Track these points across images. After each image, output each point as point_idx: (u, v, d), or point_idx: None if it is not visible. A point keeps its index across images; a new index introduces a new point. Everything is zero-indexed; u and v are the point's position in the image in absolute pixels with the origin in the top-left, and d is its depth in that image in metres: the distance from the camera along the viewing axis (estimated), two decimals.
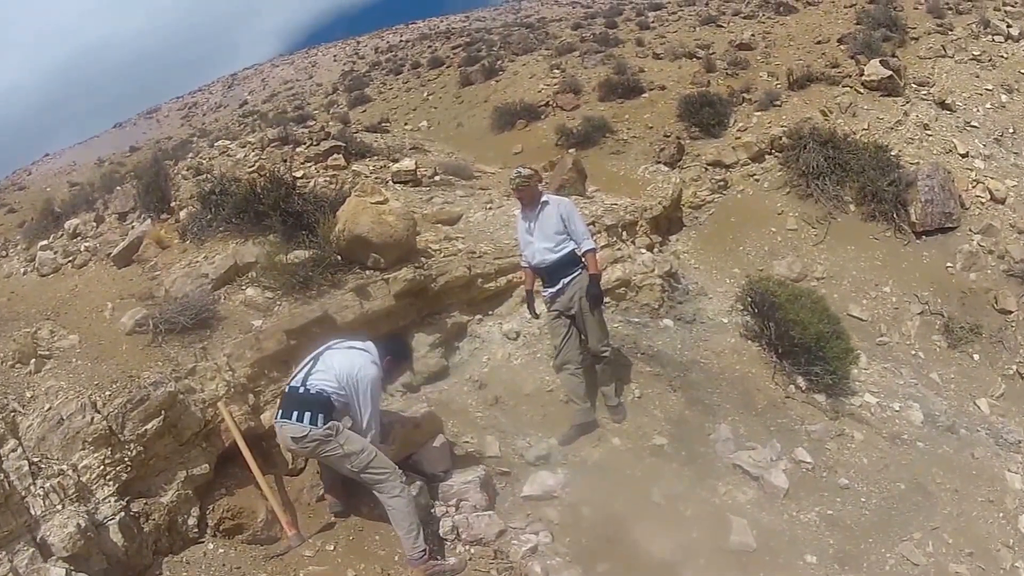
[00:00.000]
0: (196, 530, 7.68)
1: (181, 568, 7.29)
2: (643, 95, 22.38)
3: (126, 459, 7.29)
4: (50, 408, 7.36)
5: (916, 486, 9.90)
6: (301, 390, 7.61)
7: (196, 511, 7.74)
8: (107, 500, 7.06)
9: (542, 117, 22.83)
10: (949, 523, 9.50)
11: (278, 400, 8.02)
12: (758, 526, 8.67)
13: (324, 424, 7.43)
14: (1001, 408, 13.05)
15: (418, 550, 7.42)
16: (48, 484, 6.80)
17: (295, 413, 7.52)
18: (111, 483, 7.15)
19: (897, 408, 11.74)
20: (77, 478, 6.98)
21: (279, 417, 7.59)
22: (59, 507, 6.72)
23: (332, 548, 7.72)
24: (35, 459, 6.97)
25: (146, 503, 7.36)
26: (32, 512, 6.60)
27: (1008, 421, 12.60)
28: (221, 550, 7.60)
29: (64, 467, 7.00)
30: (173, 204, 13.16)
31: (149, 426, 7.49)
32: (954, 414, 12.19)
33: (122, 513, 7.06)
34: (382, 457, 7.62)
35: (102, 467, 7.14)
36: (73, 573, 6.37)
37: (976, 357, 14.34)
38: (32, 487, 6.71)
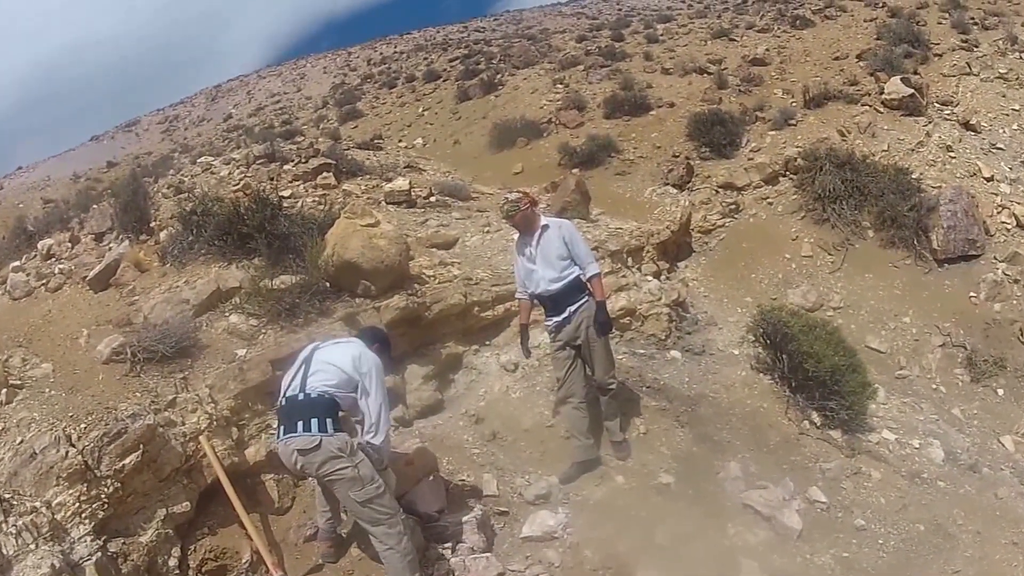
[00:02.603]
0: (177, 571, 7.67)
1: None
2: (651, 112, 22.51)
3: (103, 496, 7.29)
4: (22, 441, 7.39)
5: (936, 527, 9.81)
6: (301, 397, 7.35)
7: (177, 551, 7.72)
8: (83, 539, 7.03)
9: (544, 135, 22.94)
10: (971, 567, 9.37)
11: (276, 420, 7.74)
12: (770, 569, 8.60)
13: (335, 430, 7.23)
14: None
15: None
16: (20, 522, 6.77)
17: (300, 423, 7.22)
18: (87, 521, 7.13)
19: (917, 445, 11.68)
20: (51, 516, 6.96)
21: (281, 435, 7.27)
22: (32, 546, 6.70)
23: None
24: (6, 495, 6.96)
25: (124, 543, 7.34)
26: (3, 552, 6.57)
27: None
28: None
29: (37, 504, 6.99)
30: (153, 224, 13.16)
31: (127, 461, 7.49)
32: (977, 452, 12.11)
33: (99, 553, 7.03)
34: (390, 497, 7.44)
35: (77, 504, 7.13)
36: None
37: (1000, 392, 14.20)
38: (3, 525, 6.69)
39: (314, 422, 7.21)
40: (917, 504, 10.20)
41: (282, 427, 7.31)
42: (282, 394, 7.53)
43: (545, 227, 9.50)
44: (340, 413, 7.43)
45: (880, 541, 9.43)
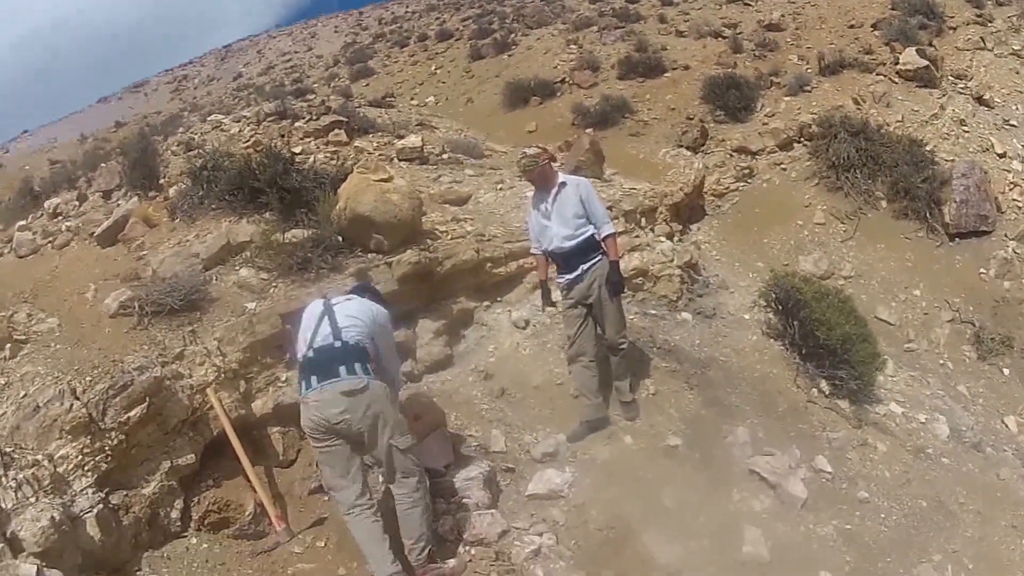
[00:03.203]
0: (179, 524, 7.61)
1: (161, 564, 7.25)
2: (665, 75, 22.31)
3: (106, 448, 7.22)
4: (25, 395, 7.30)
5: (938, 505, 9.75)
6: (338, 344, 7.18)
7: (180, 504, 7.67)
8: (84, 492, 6.97)
9: (557, 95, 22.76)
10: (970, 547, 9.31)
11: (301, 374, 7.26)
12: (773, 537, 8.51)
13: (376, 376, 7.15)
14: None
15: (426, 553, 7.28)
16: (21, 475, 6.70)
17: (342, 368, 7.04)
18: (89, 474, 7.07)
19: (923, 420, 11.62)
20: (53, 469, 6.90)
21: (314, 384, 7.01)
22: (32, 500, 6.63)
23: (323, 545, 7.71)
24: (7, 449, 6.88)
25: (126, 495, 7.28)
26: (2, 506, 6.50)
27: None
28: (205, 545, 7.57)
29: (39, 457, 6.92)
30: (162, 181, 13.06)
31: (132, 413, 7.42)
32: (981, 431, 12.06)
33: (100, 506, 6.97)
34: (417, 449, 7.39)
35: (80, 457, 7.06)
36: (45, 570, 6.24)
37: (1006, 372, 14.15)
38: (3, 479, 6.62)
39: (357, 366, 7.10)
40: (920, 480, 10.13)
41: (314, 376, 7.07)
42: (308, 347, 7.26)
43: (563, 184, 9.39)
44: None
45: (882, 515, 9.35)
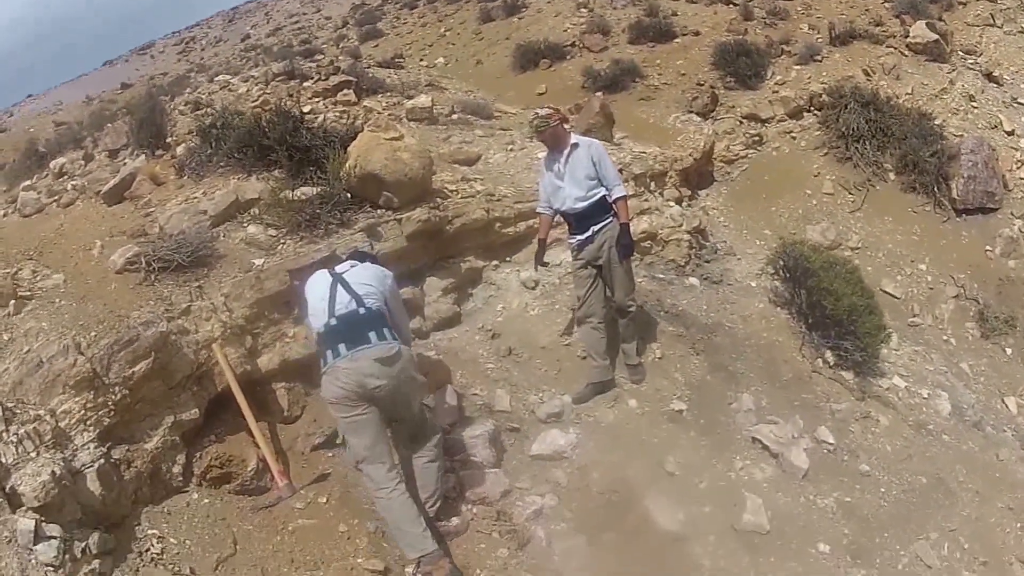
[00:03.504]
0: (181, 479, 7.61)
1: (162, 519, 7.24)
2: (676, 40, 22.07)
3: (110, 403, 7.19)
4: (29, 350, 7.27)
5: (938, 482, 9.76)
6: (363, 311, 7.21)
7: (182, 459, 7.67)
8: (86, 446, 6.94)
9: (567, 58, 22.54)
10: (967, 527, 9.34)
11: (326, 343, 7.19)
12: (773, 507, 8.58)
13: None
14: None
15: (436, 508, 7.40)
16: (23, 430, 6.65)
17: (372, 334, 7.06)
18: (92, 428, 7.04)
19: (925, 395, 11.58)
20: (55, 423, 6.86)
21: (344, 351, 6.96)
22: (33, 454, 6.58)
23: (324, 501, 7.74)
24: (9, 404, 6.84)
25: (129, 449, 7.27)
26: (2, 460, 6.46)
27: None
28: (206, 500, 7.57)
29: (41, 412, 6.89)
30: (169, 140, 12.94)
31: (137, 368, 7.38)
32: (982, 409, 12.02)
33: (102, 460, 6.94)
34: None
35: (83, 412, 7.03)
36: (44, 524, 6.24)
37: (1008, 351, 14.06)
38: (4, 434, 6.58)
39: (386, 331, 7.16)
40: (921, 456, 10.13)
41: (343, 344, 7.02)
42: (328, 315, 7.22)
43: (575, 145, 9.39)
44: None
45: (882, 489, 9.39)
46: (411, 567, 7.06)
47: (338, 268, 7.67)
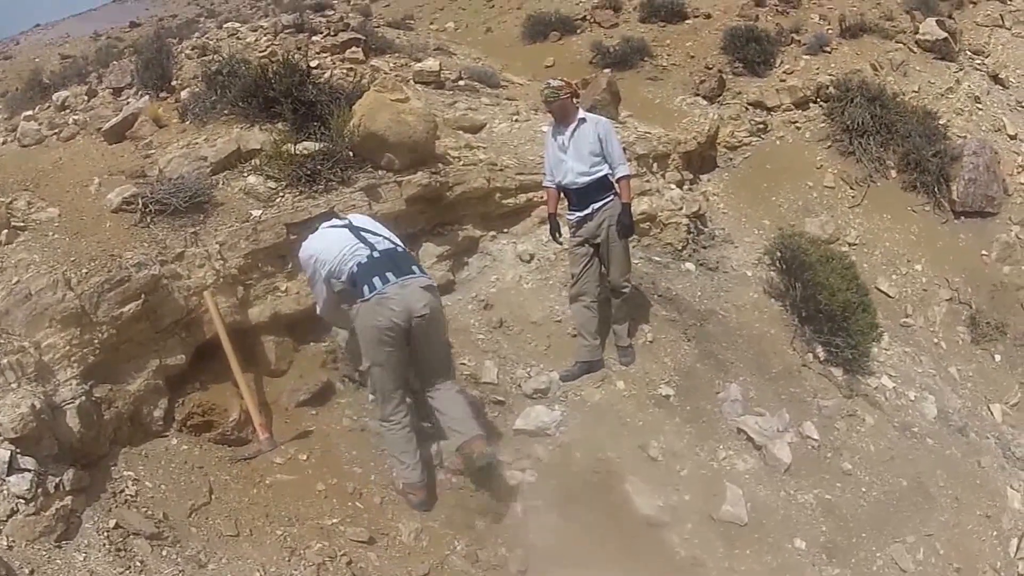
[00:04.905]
0: (161, 423, 7.56)
1: (138, 461, 7.16)
2: (686, 21, 21.84)
3: (95, 341, 7.12)
4: (18, 281, 7.13)
5: (918, 485, 9.78)
6: (400, 249, 7.65)
7: (164, 403, 7.62)
8: (68, 382, 6.85)
9: (578, 32, 22.32)
10: (944, 532, 9.39)
11: (365, 277, 7.33)
12: (753, 499, 8.59)
13: None
14: (1013, 418, 12.77)
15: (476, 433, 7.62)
16: (5, 360, 6.54)
17: (414, 267, 7.51)
18: (76, 365, 6.95)
19: (912, 398, 11.52)
20: (39, 356, 6.76)
21: (393, 278, 7.25)
22: (14, 385, 6.47)
23: (305, 458, 7.70)
24: None
25: (111, 389, 7.19)
26: None
27: (1019, 433, 12.34)
28: (185, 447, 7.50)
29: (26, 344, 6.77)
30: (174, 83, 12.81)
31: (126, 309, 7.33)
32: (967, 415, 11.99)
33: (83, 398, 6.85)
34: None
35: (68, 347, 6.94)
36: (18, 456, 6.16)
37: (997, 358, 14.01)
38: None
39: (420, 267, 7.67)
40: (904, 458, 10.13)
41: (389, 272, 7.28)
42: (370, 249, 7.47)
43: (582, 120, 9.34)
44: None
45: (863, 489, 9.41)
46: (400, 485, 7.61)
47: (350, 218, 8.02)
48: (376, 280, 7.21)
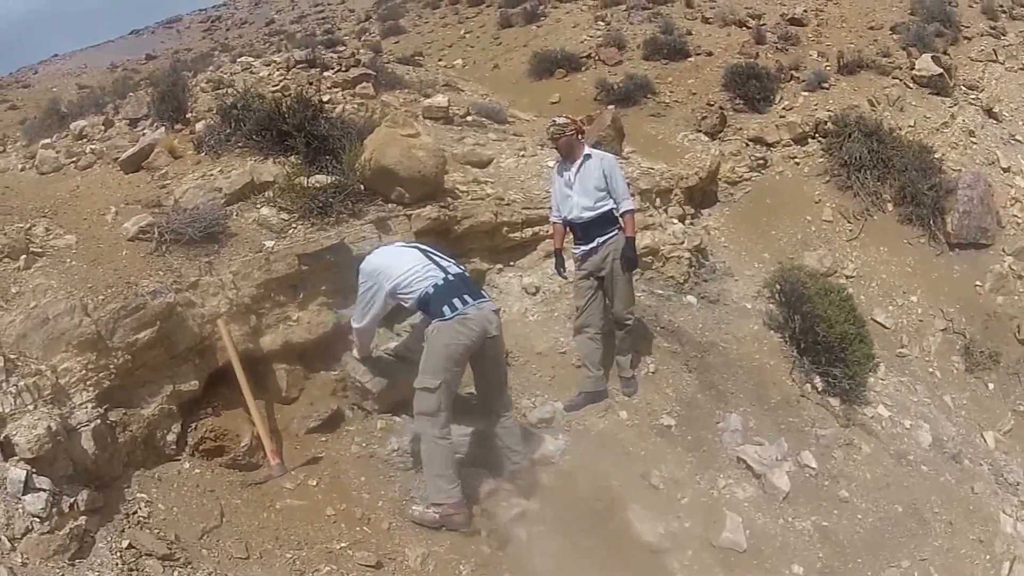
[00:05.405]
0: (174, 447, 7.57)
1: (151, 483, 7.16)
2: (689, 59, 21.97)
3: (111, 366, 7.13)
4: (36, 306, 7.15)
5: (913, 511, 9.79)
6: (467, 274, 8.05)
7: (177, 428, 7.63)
8: (84, 405, 6.86)
9: (583, 69, 22.41)
10: (938, 557, 9.39)
11: (440, 299, 7.55)
12: (752, 526, 8.61)
13: None
14: (1006, 445, 12.83)
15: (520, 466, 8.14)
16: (23, 383, 6.54)
17: (483, 291, 7.95)
18: (91, 389, 6.96)
19: (907, 426, 11.59)
20: (55, 380, 6.77)
21: (470, 300, 7.55)
22: (31, 407, 6.48)
23: (314, 484, 7.69)
24: (12, 356, 6.73)
25: (125, 413, 7.21)
26: (0, 409, 6.38)
27: (1011, 460, 12.41)
28: (197, 470, 7.51)
29: (43, 367, 6.79)
30: (189, 115, 12.86)
31: (141, 335, 7.34)
32: (961, 442, 12.04)
33: (98, 421, 6.86)
34: None
35: (84, 371, 6.95)
36: (34, 476, 6.17)
37: (991, 386, 14.11)
38: (4, 384, 6.47)
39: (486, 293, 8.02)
40: (899, 485, 10.15)
41: (466, 295, 7.58)
42: (443, 272, 7.73)
43: (587, 156, 9.43)
44: None
45: (859, 516, 9.41)
46: (428, 507, 7.56)
47: (417, 244, 8.34)
48: (456, 301, 7.46)
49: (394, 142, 9.87)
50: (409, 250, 8.00)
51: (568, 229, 9.75)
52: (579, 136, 9.64)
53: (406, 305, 7.90)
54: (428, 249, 8.03)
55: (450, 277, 7.65)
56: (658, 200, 13.41)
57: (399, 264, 7.78)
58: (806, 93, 19.73)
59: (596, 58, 22.95)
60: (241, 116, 11.03)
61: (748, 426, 9.86)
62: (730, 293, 12.65)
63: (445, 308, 7.42)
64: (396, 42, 33.49)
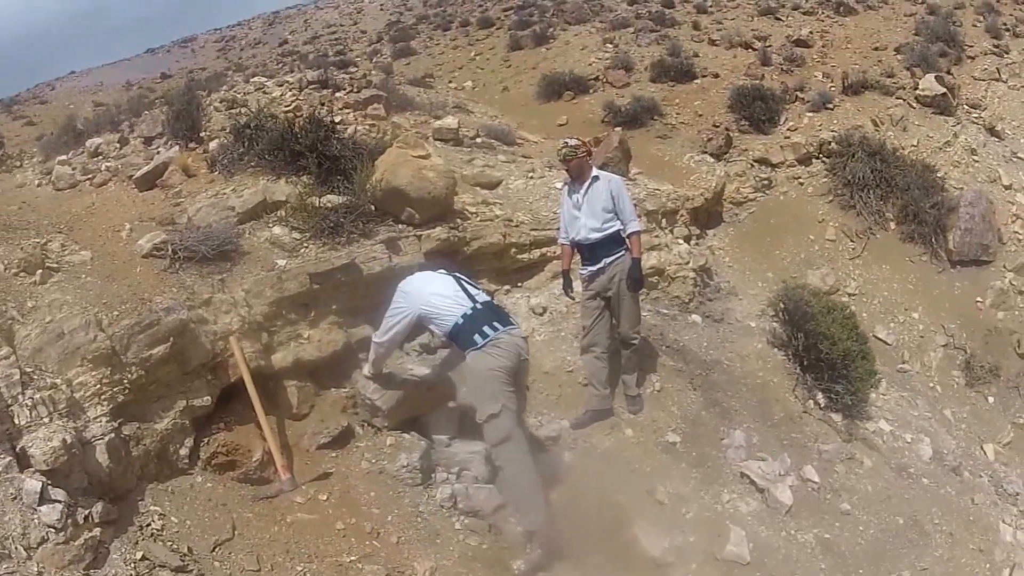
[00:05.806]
0: (187, 461, 7.59)
1: (164, 497, 7.19)
2: (695, 81, 22.07)
3: (125, 381, 7.17)
4: (51, 321, 7.21)
5: (914, 523, 9.76)
6: (495, 302, 8.30)
7: (190, 442, 7.65)
8: (98, 419, 6.90)
9: (591, 91, 22.50)
10: (938, 567, 9.36)
11: (476, 325, 7.64)
12: (755, 540, 8.58)
13: None
14: (1006, 456, 12.83)
15: None
16: (38, 396, 6.60)
17: (511, 319, 7.94)
18: (106, 403, 7.00)
19: (908, 440, 11.58)
20: (70, 393, 6.82)
21: (501, 327, 7.63)
22: (46, 420, 6.54)
23: (325, 498, 7.70)
24: (28, 369, 6.78)
25: (139, 427, 7.25)
26: (16, 421, 6.42)
27: (1010, 471, 12.40)
28: (209, 484, 7.54)
29: (58, 381, 6.84)
30: (203, 134, 12.94)
31: (155, 351, 7.39)
32: (961, 455, 12.04)
33: (112, 434, 6.91)
34: None
35: (98, 386, 6.99)
36: (49, 487, 6.21)
37: (991, 400, 14.13)
38: (20, 396, 6.52)
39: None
40: (900, 497, 10.12)
41: (496, 322, 7.66)
42: (472, 301, 7.78)
43: (595, 178, 9.46)
44: None
45: (861, 528, 9.38)
46: (527, 548, 7.59)
47: (434, 273, 8.27)
48: (487, 328, 7.57)
49: (405, 163, 9.92)
50: (444, 277, 8.05)
51: (576, 250, 9.76)
52: (588, 158, 9.71)
53: (437, 332, 8.04)
54: (461, 277, 8.12)
55: (478, 307, 7.72)
56: (664, 221, 13.45)
57: (433, 291, 7.85)
58: (811, 114, 19.77)
59: (604, 80, 23.04)
60: (254, 136, 11.13)
61: (752, 442, 9.84)
62: (734, 312, 12.67)
63: (476, 337, 7.54)
64: (407, 64, 33.62)
